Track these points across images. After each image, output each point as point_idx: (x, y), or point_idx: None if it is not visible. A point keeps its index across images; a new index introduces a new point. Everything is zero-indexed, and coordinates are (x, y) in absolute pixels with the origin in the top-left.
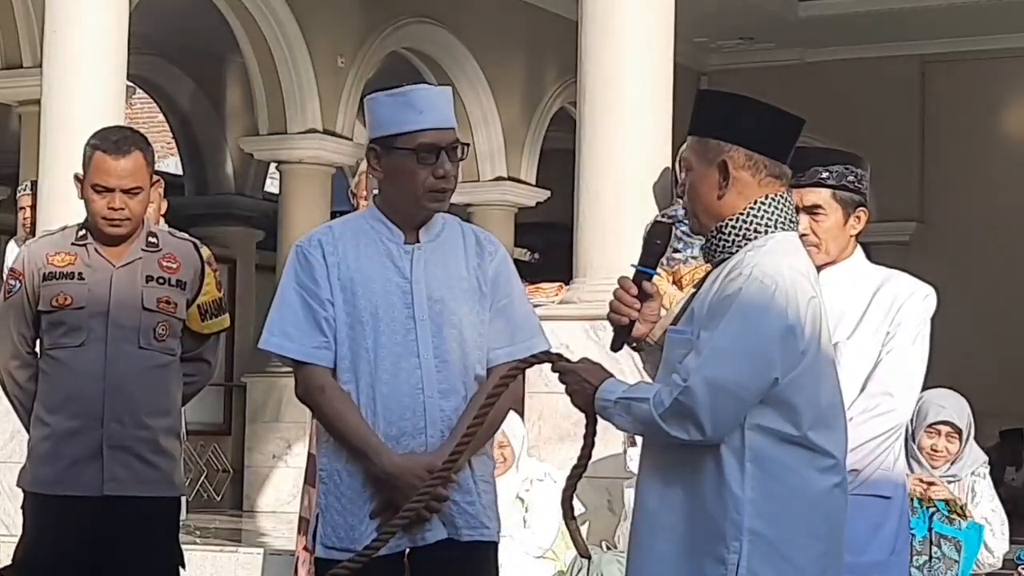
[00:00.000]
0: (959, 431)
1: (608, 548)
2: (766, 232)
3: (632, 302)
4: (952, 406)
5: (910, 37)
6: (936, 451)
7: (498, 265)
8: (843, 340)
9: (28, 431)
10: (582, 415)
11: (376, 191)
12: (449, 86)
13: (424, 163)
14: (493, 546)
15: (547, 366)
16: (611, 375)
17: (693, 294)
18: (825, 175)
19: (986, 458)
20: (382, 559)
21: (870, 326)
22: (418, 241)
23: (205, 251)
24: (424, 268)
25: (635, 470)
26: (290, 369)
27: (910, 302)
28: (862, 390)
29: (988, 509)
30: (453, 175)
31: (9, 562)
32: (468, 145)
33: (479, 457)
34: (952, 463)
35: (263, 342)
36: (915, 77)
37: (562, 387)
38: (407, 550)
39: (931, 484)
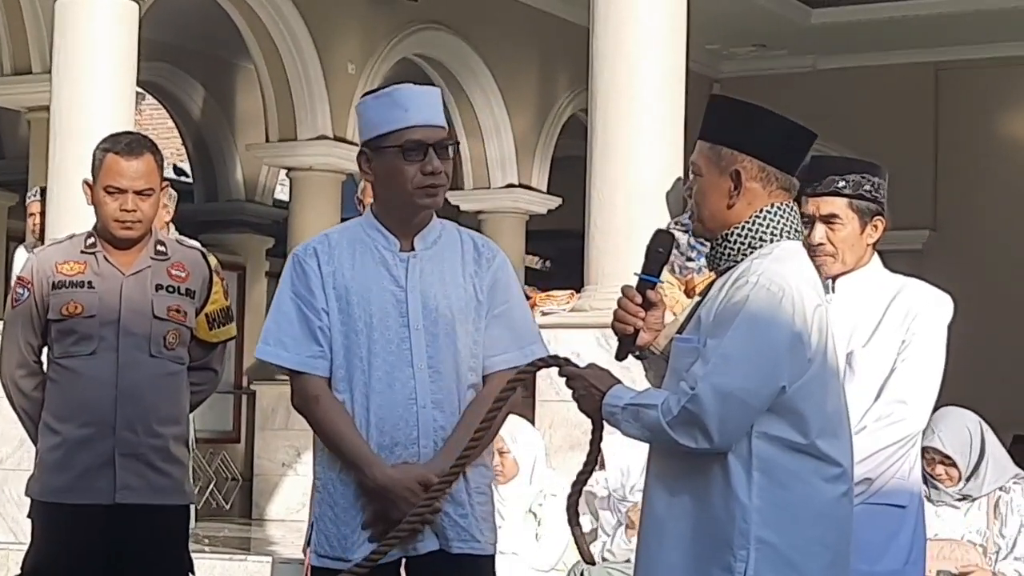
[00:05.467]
0: (949, 456)
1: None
2: (772, 240)
3: (636, 311)
4: (943, 431)
5: (923, 44)
6: (936, 475)
7: (496, 271)
8: (859, 348)
9: (34, 441)
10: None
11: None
12: (437, 87)
13: (412, 160)
14: (488, 560)
15: (556, 373)
16: (618, 381)
17: (699, 302)
18: (841, 184)
19: (1019, 472)
20: (378, 569)
21: (886, 334)
22: (413, 249)
23: (212, 260)
24: (419, 277)
25: (599, 493)
26: None
27: (926, 310)
28: (877, 398)
29: (1014, 527)
30: (444, 172)
31: (19, 571)
32: (458, 143)
33: (475, 468)
34: (967, 481)
35: (259, 351)
36: (928, 84)
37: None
38: (403, 561)
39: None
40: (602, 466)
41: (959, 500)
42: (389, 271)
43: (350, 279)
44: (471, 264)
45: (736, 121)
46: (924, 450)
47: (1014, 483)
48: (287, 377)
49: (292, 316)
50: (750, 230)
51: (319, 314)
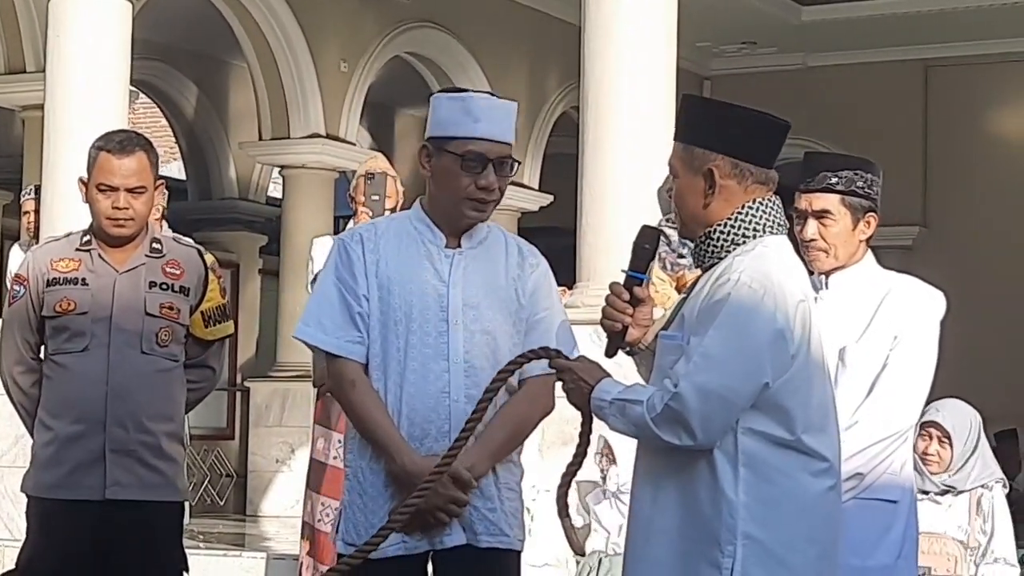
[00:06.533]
0: (948, 435)
1: (615, 552)
2: (754, 236)
3: (624, 307)
4: (948, 411)
5: (913, 41)
6: (928, 455)
7: (539, 278)
8: (851, 343)
9: (32, 436)
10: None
11: (375, 197)
12: (515, 102)
13: (469, 171)
14: (515, 555)
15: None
16: (608, 374)
17: (684, 299)
18: (834, 180)
19: (1002, 476)
20: (404, 561)
21: (878, 330)
22: (459, 246)
23: (209, 257)
24: (462, 273)
25: (609, 487)
26: (294, 374)
27: (918, 306)
28: (869, 393)
29: (999, 527)
30: (498, 188)
31: (12, 567)
32: (520, 163)
33: (505, 464)
34: (954, 473)
35: (298, 331)
36: (918, 81)
37: (565, 392)
38: (431, 554)
39: None
40: (613, 461)
41: (941, 494)
42: (433, 264)
43: (393, 269)
44: (515, 268)
45: (706, 120)
46: (923, 426)
47: (995, 483)
48: (281, 374)
49: (334, 300)
50: (732, 227)
51: (360, 300)
